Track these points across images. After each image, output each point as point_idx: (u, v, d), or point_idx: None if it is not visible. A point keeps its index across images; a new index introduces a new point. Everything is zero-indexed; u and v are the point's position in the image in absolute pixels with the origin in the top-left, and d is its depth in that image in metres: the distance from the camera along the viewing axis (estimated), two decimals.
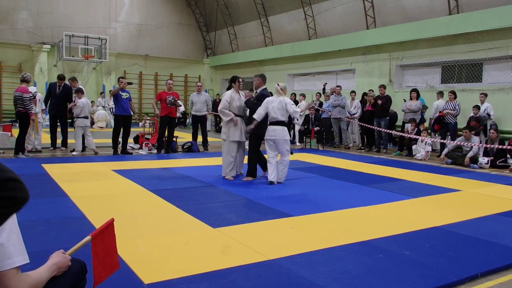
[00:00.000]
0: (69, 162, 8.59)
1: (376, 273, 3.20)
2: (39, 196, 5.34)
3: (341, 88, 12.94)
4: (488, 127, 10.21)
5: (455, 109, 10.32)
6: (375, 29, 14.34)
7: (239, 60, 20.94)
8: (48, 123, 10.89)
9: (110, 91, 11.94)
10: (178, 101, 10.37)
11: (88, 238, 2.02)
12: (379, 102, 11.27)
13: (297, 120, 11.89)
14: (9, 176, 1.24)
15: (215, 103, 15.73)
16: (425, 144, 10.39)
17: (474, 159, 9.19)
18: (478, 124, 10.13)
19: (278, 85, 6.92)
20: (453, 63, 12.48)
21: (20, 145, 8.92)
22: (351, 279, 3.08)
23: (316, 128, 12.32)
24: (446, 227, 4.51)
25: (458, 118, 10.50)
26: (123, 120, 9.74)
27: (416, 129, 10.64)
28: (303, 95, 14.13)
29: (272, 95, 13.19)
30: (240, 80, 7.35)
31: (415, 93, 11.26)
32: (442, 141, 9.95)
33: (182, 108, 15.15)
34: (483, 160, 9.09)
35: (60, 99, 10.30)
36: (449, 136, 10.51)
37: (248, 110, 7.27)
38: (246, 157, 7.40)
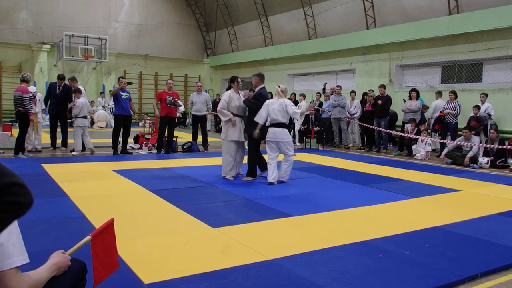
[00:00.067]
0: (69, 162, 8.59)
1: (376, 273, 3.20)
2: (39, 196, 5.33)
3: (341, 88, 12.94)
4: (489, 127, 10.22)
5: (455, 109, 10.32)
6: (375, 29, 14.35)
7: (239, 60, 20.94)
8: (48, 123, 10.89)
9: (110, 91, 11.94)
10: (178, 101, 10.37)
11: (88, 238, 2.02)
12: (379, 102, 11.27)
13: (297, 120, 11.91)
14: (14, 181, 1.24)
15: (215, 103, 15.73)
16: (425, 144, 10.39)
17: (474, 159, 9.19)
18: (478, 124, 10.13)
19: (279, 87, 6.94)
20: (453, 63, 12.48)
21: (20, 145, 8.92)
22: (351, 279, 3.08)
23: (316, 128, 12.32)
24: (446, 227, 4.51)
25: (458, 118, 10.50)
26: (123, 120, 9.74)
27: (416, 129, 10.64)
28: (303, 95, 14.13)
29: (271, 94, 13.23)
30: (239, 80, 7.35)
31: (415, 93, 11.26)
32: (442, 141, 9.96)
33: (182, 108, 15.14)
34: (483, 160, 9.09)
35: (60, 99, 10.31)
36: (449, 136, 10.51)
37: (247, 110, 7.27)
38: (245, 157, 7.40)
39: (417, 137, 10.43)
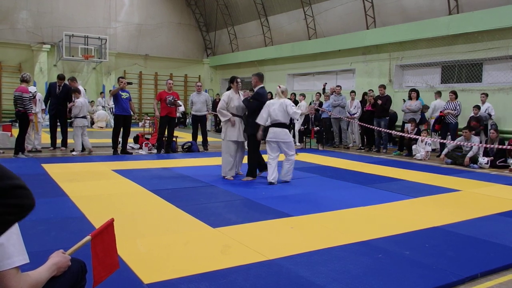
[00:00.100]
0: (69, 162, 8.59)
1: (375, 273, 3.20)
2: (39, 196, 5.32)
3: (341, 88, 12.94)
4: (489, 127, 10.22)
5: (456, 109, 10.33)
6: (375, 29, 14.35)
7: (239, 60, 20.94)
8: (48, 123, 10.89)
9: (110, 91, 11.94)
10: (178, 101, 10.37)
11: (88, 238, 2.02)
12: (379, 102, 11.27)
13: (297, 120, 11.91)
14: (16, 184, 1.25)
15: (215, 103, 15.73)
16: (425, 144, 10.39)
17: (474, 159, 9.19)
18: (478, 124, 10.13)
19: (279, 87, 6.97)
20: (453, 63, 12.48)
21: (20, 145, 8.92)
22: (350, 279, 3.08)
23: (316, 128, 12.32)
24: (446, 227, 4.51)
25: (458, 118, 10.50)
26: (123, 120, 9.74)
27: (416, 129, 10.64)
28: (303, 95, 14.13)
29: (271, 94, 13.21)
30: (239, 80, 7.35)
31: (415, 93, 11.27)
32: (441, 141, 9.96)
33: (182, 108, 15.14)
34: (483, 160, 9.09)
35: (60, 99, 10.31)
36: (449, 136, 10.51)
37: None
38: (245, 157, 7.40)
39: (417, 137, 10.43)
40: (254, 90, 7.30)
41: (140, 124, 15.15)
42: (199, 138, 11.48)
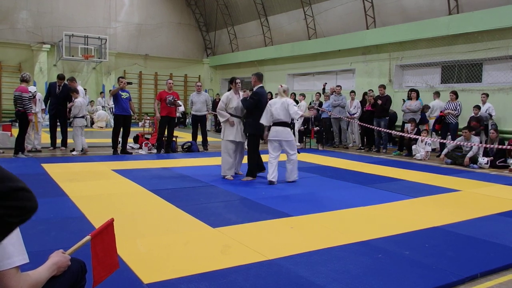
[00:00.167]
0: (69, 161, 8.59)
1: (375, 273, 3.20)
2: (39, 196, 5.27)
3: (341, 88, 12.94)
4: (489, 127, 10.22)
5: (456, 109, 10.33)
6: (375, 29, 14.34)
7: (239, 60, 20.94)
8: (48, 122, 10.89)
9: (110, 90, 11.94)
10: (178, 101, 10.38)
11: (87, 238, 2.02)
12: (379, 102, 11.27)
13: (297, 120, 11.91)
14: (18, 186, 1.24)
15: (215, 103, 15.73)
16: (425, 144, 10.40)
17: (474, 159, 9.19)
18: (479, 124, 10.13)
19: (281, 86, 7.00)
20: (453, 63, 12.48)
21: (19, 145, 8.92)
22: (350, 279, 3.08)
23: (316, 128, 12.32)
24: (446, 227, 4.51)
25: (458, 118, 10.50)
26: (122, 120, 9.74)
27: (416, 129, 10.64)
28: (303, 95, 14.13)
29: (271, 94, 13.20)
30: (238, 81, 7.37)
31: (415, 93, 11.27)
32: (441, 140, 9.96)
33: (181, 108, 15.12)
34: (482, 160, 9.09)
35: (60, 98, 10.31)
36: (450, 136, 10.51)
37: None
38: (245, 157, 7.40)
39: (417, 137, 10.43)
40: (253, 90, 7.31)
41: (140, 124, 15.15)
42: (199, 138, 11.48)
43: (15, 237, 1.57)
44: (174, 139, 10.69)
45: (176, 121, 11.60)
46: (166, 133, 10.33)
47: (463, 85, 12.33)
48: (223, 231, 4.15)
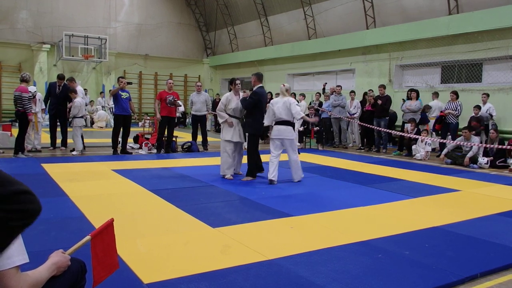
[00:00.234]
0: (69, 161, 8.59)
1: (375, 273, 3.20)
2: (39, 196, 5.23)
3: (341, 88, 12.94)
4: (490, 127, 10.22)
5: (456, 109, 10.33)
6: (375, 29, 14.35)
7: (239, 60, 20.95)
8: (48, 122, 10.89)
9: (110, 90, 11.93)
10: (178, 101, 10.38)
11: (87, 238, 2.02)
12: (379, 102, 11.27)
13: (297, 120, 11.91)
14: (21, 189, 1.23)
15: (215, 103, 15.73)
16: (425, 144, 10.40)
17: (474, 159, 9.19)
18: (479, 124, 10.13)
19: (283, 85, 7.03)
20: (453, 63, 12.48)
21: (19, 145, 8.92)
22: (350, 279, 3.08)
23: (316, 128, 12.32)
24: (445, 227, 4.51)
25: (458, 118, 10.50)
26: (122, 120, 9.75)
27: (416, 129, 10.64)
28: (303, 95, 14.13)
29: (271, 94, 13.19)
30: (238, 82, 7.37)
31: (415, 93, 11.27)
32: (441, 140, 9.96)
33: (181, 108, 15.14)
34: (482, 160, 9.09)
35: (60, 98, 10.30)
36: (450, 136, 10.51)
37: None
38: (245, 157, 7.40)
39: (417, 137, 10.43)
40: (253, 89, 7.32)
41: (140, 124, 15.15)
42: (199, 138, 11.48)
43: None
44: (174, 139, 10.69)
45: (176, 121, 11.60)
46: (166, 133, 10.33)
47: (463, 85, 12.33)
48: (223, 231, 4.15)
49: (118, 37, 21.03)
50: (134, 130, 11.41)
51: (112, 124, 11.68)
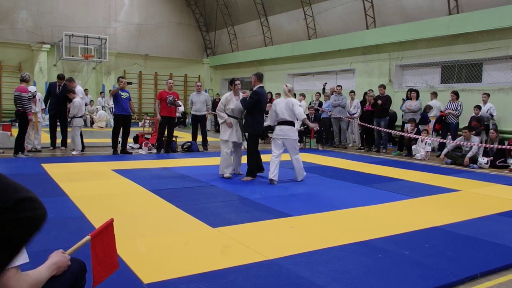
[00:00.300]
0: (69, 161, 8.59)
1: (375, 273, 3.20)
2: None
3: (341, 87, 12.94)
4: (490, 127, 10.22)
5: (457, 109, 10.33)
6: (375, 29, 14.34)
7: (239, 60, 20.94)
8: (47, 122, 10.89)
9: (110, 90, 11.93)
10: (178, 101, 10.38)
11: (87, 238, 2.02)
12: (379, 102, 11.27)
13: (297, 120, 11.91)
14: (26, 196, 1.19)
15: (215, 103, 15.73)
16: (425, 144, 10.40)
17: (474, 159, 9.19)
18: (479, 124, 10.13)
19: (286, 86, 7.07)
20: (453, 63, 12.48)
21: (19, 145, 8.92)
22: (350, 279, 3.08)
23: (315, 128, 12.30)
24: (445, 227, 4.51)
25: (459, 118, 10.50)
26: (122, 120, 9.75)
27: (416, 129, 10.64)
28: (303, 95, 14.13)
29: (271, 94, 13.16)
30: (237, 82, 7.37)
31: (415, 93, 11.28)
32: (441, 140, 9.96)
33: (181, 108, 15.13)
34: (482, 160, 9.09)
35: (60, 98, 10.30)
36: (450, 136, 10.51)
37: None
38: (244, 157, 7.40)
39: (417, 136, 10.43)
40: (253, 89, 7.32)
41: (140, 124, 15.14)
42: (199, 138, 11.48)
43: None
44: (174, 139, 10.69)
45: (176, 121, 11.60)
46: (166, 133, 10.33)
47: (463, 85, 12.33)
48: (223, 231, 4.15)
49: (118, 37, 21.03)
50: (134, 130, 11.41)
51: (112, 124, 11.68)
